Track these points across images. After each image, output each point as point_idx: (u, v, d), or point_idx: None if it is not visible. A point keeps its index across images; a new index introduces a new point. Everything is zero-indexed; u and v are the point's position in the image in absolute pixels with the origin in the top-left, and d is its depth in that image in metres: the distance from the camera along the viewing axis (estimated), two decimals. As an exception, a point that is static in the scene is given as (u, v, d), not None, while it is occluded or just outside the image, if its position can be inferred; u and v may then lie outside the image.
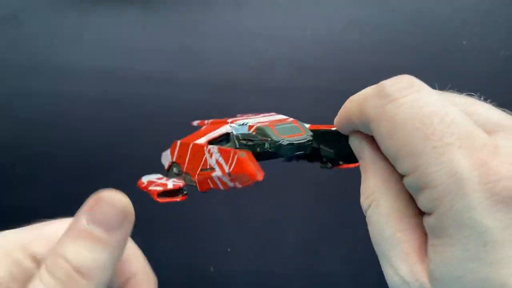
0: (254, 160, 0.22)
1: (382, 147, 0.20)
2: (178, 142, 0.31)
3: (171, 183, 0.27)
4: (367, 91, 0.21)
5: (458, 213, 0.17)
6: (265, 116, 0.29)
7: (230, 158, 0.23)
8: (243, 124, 0.27)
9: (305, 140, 0.25)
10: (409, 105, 0.19)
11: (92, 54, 0.53)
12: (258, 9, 0.54)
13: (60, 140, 0.52)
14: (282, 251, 0.54)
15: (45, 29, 0.53)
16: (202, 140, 0.28)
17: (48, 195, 0.51)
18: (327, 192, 0.53)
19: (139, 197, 0.51)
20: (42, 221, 0.23)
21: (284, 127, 0.26)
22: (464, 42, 0.53)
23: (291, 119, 0.28)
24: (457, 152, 0.17)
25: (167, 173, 0.31)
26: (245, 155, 0.22)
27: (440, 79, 0.55)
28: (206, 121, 0.31)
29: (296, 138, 0.25)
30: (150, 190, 0.27)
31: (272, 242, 0.54)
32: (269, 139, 0.25)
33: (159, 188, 0.27)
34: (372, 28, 0.53)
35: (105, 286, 0.19)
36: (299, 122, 0.27)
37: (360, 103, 0.21)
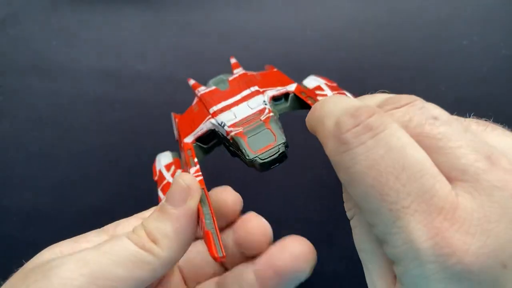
0: (219, 236, 0.22)
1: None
2: (175, 120, 0.31)
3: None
4: (329, 126, 0.19)
5: (414, 279, 0.17)
6: (242, 89, 0.30)
7: (200, 221, 0.23)
8: (222, 126, 0.27)
9: (278, 154, 0.25)
10: (364, 157, 0.17)
11: (92, 54, 0.53)
12: (258, 9, 0.54)
13: (60, 140, 0.52)
14: (282, 251, 0.54)
15: (44, 29, 0.53)
16: (189, 139, 0.28)
17: (48, 195, 0.51)
18: (327, 192, 0.53)
19: (139, 196, 0.51)
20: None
21: (256, 137, 0.26)
22: (464, 42, 0.53)
23: (261, 90, 0.29)
24: (412, 218, 0.16)
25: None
26: (210, 229, 0.22)
27: (441, 79, 0.55)
28: (198, 90, 0.32)
29: (268, 152, 0.25)
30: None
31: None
32: (243, 155, 0.25)
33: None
34: (372, 28, 0.53)
35: (170, 256, 0.22)
36: (272, 119, 0.27)
37: (321, 138, 0.20)
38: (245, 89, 0.30)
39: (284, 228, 0.55)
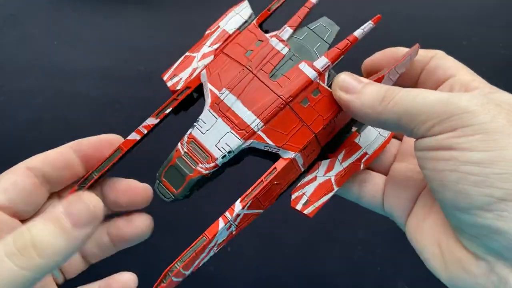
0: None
1: None
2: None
3: None
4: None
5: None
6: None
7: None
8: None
9: (165, 200, 0.28)
10: None
11: (92, 54, 0.53)
12: (258, 9, 0.54)
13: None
14: (282, 251, 0.54)
15: (45, 29, 0.53)
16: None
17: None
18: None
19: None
20: None
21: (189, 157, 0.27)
22: (464, 42, 0.53)
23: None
24: None
25: None
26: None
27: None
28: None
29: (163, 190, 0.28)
30: None
31: (272, 242, 0.54)
32: None
33: None
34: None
35: (53, 269, 0.21)
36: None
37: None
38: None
39: (284, 228, 0.56)
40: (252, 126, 0.26)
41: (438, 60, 0.28)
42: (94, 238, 0.29)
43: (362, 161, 0.28)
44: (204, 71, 0.29)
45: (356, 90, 0.25)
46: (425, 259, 0.25)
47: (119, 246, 0.30)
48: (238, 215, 0.26)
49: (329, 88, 0.27)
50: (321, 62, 0.28)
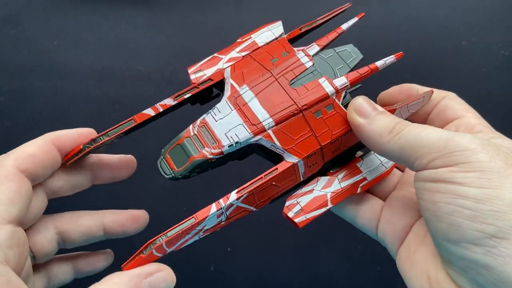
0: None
1: None
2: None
3: None
4: None
5: None
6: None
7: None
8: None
9: (164, 175, 0.28)
10: None
11: (92, 54, 0.53)
12: (258, 9, 0.54)
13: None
14: (282, 251, 0.54)
15: (45, 29, 0.53)
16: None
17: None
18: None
19: (139, 195, 0.51)
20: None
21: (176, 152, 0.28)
22: (463, 42, 0.53)
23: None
24: None
25: None
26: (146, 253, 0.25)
27: (440, 79, 0.55)
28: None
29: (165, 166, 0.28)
30: None
31: (272, 242, 0.54)
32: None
33: None
34: (372, 28, 0.53)
35: None
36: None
37: None
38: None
39: (284, 228, 0.56)
40: (264, 123, 0.27)
41: (449, 100, 0.29)
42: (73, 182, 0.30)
43: (360, 185, 0.28)
44: (229, 68, 0.30)
45: (370, 115, 0.27)
46: None
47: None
48: (231, 205, 0.26)
49: (343, 107, 0.29)
50: (341, 81, 0.29)
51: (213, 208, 0.26)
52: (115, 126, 0.28)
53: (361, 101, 0.27)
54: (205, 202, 0.26)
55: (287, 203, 0.28)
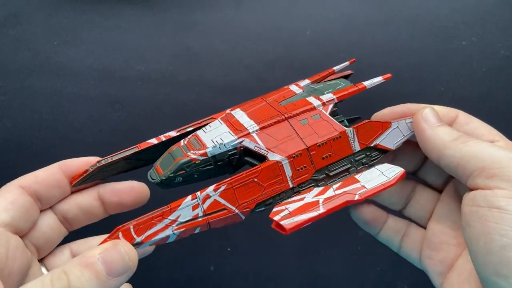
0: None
1: None
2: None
3: None
4: None
5: None
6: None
7: None
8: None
9: (151, 181, 0.28)
10: None
11: (92, 54, 0.53)
12: (258, 9, 0.54)
13: (60, 140, 0.52)
14: (282, 251, 0.54)
15: (45, 29, 0.53)
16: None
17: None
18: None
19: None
20: None
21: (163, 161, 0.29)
22: (464, 43, 0.53)
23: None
24: None
25: None
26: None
27: (440, 79, 0.55)
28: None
29: (154, 174, 0.29)
30: None
31: (272, 242, 0.54)
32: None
33: None
34: (372, 28, 0.53)
35: None
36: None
37: None
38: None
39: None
40: (248, 128, 0.28)
41: (466, 125, 0.28)
42: (81, 204, 0.31)
43: (358, 192, 0.27)
44: (229, 109, 0.32)
45: (434, 124, 0.27)
46: None
47: (109, 212, 0.32)
48: (208, 196, 0.26)
49: (330, 116, 0.29)
50: (327, 96, 0.31)
51: (188, 197, 0.26)
52: (119, 152, 0.30)
53: (428, 111, 0.28)
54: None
55: (274, 209, 0.27)
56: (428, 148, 0.27)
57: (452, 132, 0.26)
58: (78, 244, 0.31)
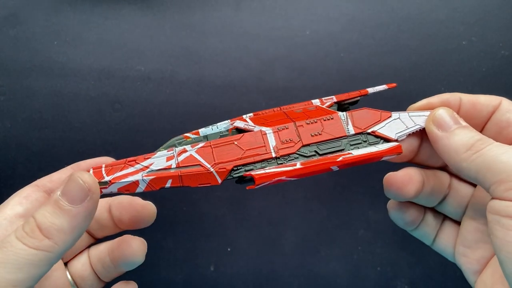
0: None
1: None
2: None
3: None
4: None
5: None
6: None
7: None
8: None
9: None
10: None
11: (92, 54, 0.53)
12: (258, 9, 0.54)
13: (60, 140, 0.52)
14: (282, 251, 0.54)
15: (45, 29, 0.53)
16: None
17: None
18: (327, 192, 0.53)
19: (139, 195, 0.51)
20: None
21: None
22: (463, 42, 0.53)
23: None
24: None
25: None
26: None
27: (440, 79, 0.55)
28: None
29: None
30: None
31: (272, 242, 0.54)
32: None
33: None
34: (372, 28, 0.53)
35: (64, 248, 0.23)
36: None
37: None
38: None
39: (285, 228, 0.56)
40: (244, 116, 0.29)
41: (509, 113, 0.26)
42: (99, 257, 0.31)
43: (342, 157, 0.27)
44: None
45: (449, 129, 0.25)
46: None
47: (120, 227, 0.31)
48: (184, 150, 0.26)
49: (327, 108, 0.30)
50: (327, 97, 0.31)
51: (164, 150, 0.26)
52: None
53: (441, 112, 0.26)
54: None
55: (253, 172, 0.26)
56: (444, 158, 0.25)
57: (467, 139, 0.24)
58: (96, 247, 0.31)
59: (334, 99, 0.31)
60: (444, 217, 0.30)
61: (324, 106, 0.30)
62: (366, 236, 0.53)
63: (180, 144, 0.27)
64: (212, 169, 0.26)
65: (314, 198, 0.53)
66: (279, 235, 0.54)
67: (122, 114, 0.53)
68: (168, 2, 0.54)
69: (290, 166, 0.26)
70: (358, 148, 0.28)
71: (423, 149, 0.28)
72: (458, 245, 0.28)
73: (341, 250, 0.54)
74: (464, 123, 0.25)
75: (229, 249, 0.53)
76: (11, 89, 0.52)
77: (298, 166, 0.26)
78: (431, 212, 0.30)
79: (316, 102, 0.31)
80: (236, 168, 0.26)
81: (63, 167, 0.30)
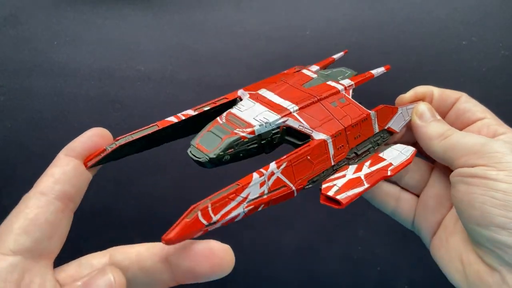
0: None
1: None
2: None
3: None
4: None
5: None
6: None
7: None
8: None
9: (196, 158, 0.27)
10: None
11: (92, 54, 0.53)
12: (258, 9, 0.54)
13: (60, 140, 0.52)
14: (282, 251, 0.54)
15: (45, 29, 0.53)
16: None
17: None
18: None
19: (139, 195, 0.51)
20: None
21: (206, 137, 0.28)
22: (464, 42, 0.53)
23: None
24: None
25: None
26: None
27: (440, 79, 0.55)
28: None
29: (197, 152, 0.27)
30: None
31: (272, 242, 0.54)
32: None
33: None
34: (372, 28, 0.53)
35: None
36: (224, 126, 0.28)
37: None
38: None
39: (285, 228, 0.56)
40: (288, 108, 0.29)
41: (466, 103, 0.34)
42: (145, 265, 0.25)
43: (389, 168, 0.30)
44: (241, 89, 0.33)
45: (427, 121, 0.33)
46: (448, 273, 0.31)
47: (179, 281, 0.25)
48: (272, 173, 0.26)
49: (354, 100, 0.32)
50: (346, 82, 0.34)
51: (255, 175, 0.25)
52: (138, 130, 0.29)
53: (423, 107, 0.33)
54: (203, 194, 0.26)
55: (324, 185, 0.28)
56: (420, 141, 0.33)
57: (439, 129, 0.32)
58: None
59: (354, 85, 0.34)
60: (401, 189, 0.36)
61: (350, 97, 0.32)
62: (366, 236, 0.53)
63: (237, 145, 0.27)
64: (294, 188, 0.27)
65: (314, 198, 0.53)
66: (279, 235, 0.54)
67: (122, 114, 0.53)
68: (168, 2, 0.54)
69: (359, 185, 0.28)
70: (378, 144, 0.33)
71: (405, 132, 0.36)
72: (418, 210, 0.35)
73: (341, 250, 0.54)
74: (438, 117, 0.33)
75: (229, 249, 0.53)
76: (11, 89, 0.52)
77: (366, 185, 0.28)
78: (388, 183, 0.36)
79: (307, 72, 0.34)
80: (309, 181, 0.28)
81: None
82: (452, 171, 0.30)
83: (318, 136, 0.29)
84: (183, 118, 0.30)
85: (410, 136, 0.35)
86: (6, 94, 0.52)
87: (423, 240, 0.35)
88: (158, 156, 0.47)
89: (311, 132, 0.29)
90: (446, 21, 0.53)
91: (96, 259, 0.25)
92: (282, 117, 0.29)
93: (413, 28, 0.53)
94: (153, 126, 0.29)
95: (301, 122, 0.29)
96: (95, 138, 0.27)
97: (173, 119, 0.30)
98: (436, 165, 0.35)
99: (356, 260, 0.54)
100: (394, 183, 0.36)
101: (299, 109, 0.30)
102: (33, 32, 0.53)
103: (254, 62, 0.53)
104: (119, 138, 0.28)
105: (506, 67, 0.52)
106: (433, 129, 0.32)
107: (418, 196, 0.36)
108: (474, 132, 0.32)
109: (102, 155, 0.27)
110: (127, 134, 0.28)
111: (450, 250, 0.31)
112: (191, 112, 0.31)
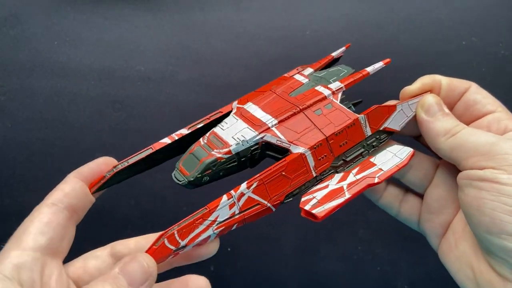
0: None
1: None
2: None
3: None
4: None
5: None
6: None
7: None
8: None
9: (178, 182, 0.28)
10: None
11: (92, 54, 0.53)
12: (258, 9, 0.54)
13: (60, 140, 0.52)
14: (282, 251, 0.54)
15: (45, 29, 0.53)
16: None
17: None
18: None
19: (139, 195, 0.51)
20: None
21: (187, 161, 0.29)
22: (463, 42, 0.53)
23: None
24: None
25: None
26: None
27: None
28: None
29: (179, 175, 0.28)
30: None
31: (272, 242, 0.54)
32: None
33: None
34: (372, 28, 0.53)
35: None
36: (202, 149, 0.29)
37: None
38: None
39: (285, 228, 0.56)
40: (267, 123, 0.29)
41: (476, 94, 0.31)
42: None
43: (377, 175, 0.29)
44: (236, 101, 0.32)
45: (434, 115, 0.30)
46: (458, 280, 0.29)
47: None
48: (242, 194, 0.26)
49: (341, 105, 0.31)
50: (336, 85, 0.32)
51: (224, 197, 0.26)
52: (134, 154, 0.30)
53: (430, 100, 0.30)
54: (205, 202, 0.26)
55: (302, 199, 0.28)
56: (426, 137, 0.30)
57: (447, 125, 0.29)
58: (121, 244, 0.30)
59: (343, 87, 0.32)
60: (407, 190, 0.34)
61: (338, 102, 0.31)
62: (366, 236, 0.53)
63: (214, 166, 0.28)
64: (269, 204, 0.28)
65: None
66: (279, 235, 0.54)
67: (122, 114, 0.53)
68: (168, 2, 0.54)
69: (340, 196, 0.28)
70: (374, 146, 0.31)
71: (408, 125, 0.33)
72: (423, 212, 0.33)
73: (341, 250, 0.54)
74: (446, 110, 0.30)
75: (229, 249, 0.53)
76: (11, 89, 0.52)
77: (348, 195, 0.28)
78: (393, 184, 0.34)
79: (298, 77, 0.33)
80: (287, 196, 0.28)
81: (63, 167, 0.30)
82: (459, 170, 0.28)
83: (296, 149, 0.28)
84: (177, 138, 0.31)
85: (412, 130, 0.33)
86: (6, 94, 0.52)
87: (429, 243, 0.33)
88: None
89: (289, 146, 0.28)
90: (446, 21, 0.53)
91: (99, 251, 0.28)
92: (259, 133, 0.29)
93: (413, 28, 0.53)
94: (148, 149, 0.30)
95: (278, 137, 0.28)
96: (103, 166, 0.30)
97: (167, 140, 0.31)
98: (441, 162, 0.33)
99: (356, 260, 0.54)
100: (397, 180, 0.35)
101: (278, 122, 0.29)
102: (33, 32, 0.53)
103: (254, 62, 0.53)
104: (117, 164, 0.29)
105: (506, 67, 0.52)
106: (440, 124, 0.29)
107: (422, 195, 0.33)
108: (483, 127, 0.30)
109: (102, 181, 0.29)
110: (124, 160, 0.29)
111: (460, 256, 0.29)
112: (184, 131, 0.31)
